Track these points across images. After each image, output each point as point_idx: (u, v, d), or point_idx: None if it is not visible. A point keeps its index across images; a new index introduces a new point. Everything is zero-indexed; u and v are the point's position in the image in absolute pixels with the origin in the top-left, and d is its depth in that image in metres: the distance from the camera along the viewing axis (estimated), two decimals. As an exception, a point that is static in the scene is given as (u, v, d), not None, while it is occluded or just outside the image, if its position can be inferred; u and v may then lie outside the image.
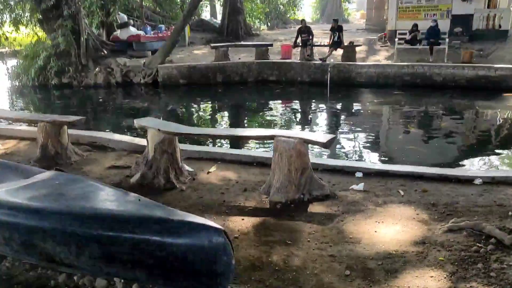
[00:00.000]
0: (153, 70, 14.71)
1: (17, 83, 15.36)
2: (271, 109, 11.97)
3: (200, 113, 11.73)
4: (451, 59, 13.93)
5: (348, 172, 5.16)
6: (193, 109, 12.35)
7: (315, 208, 4.20)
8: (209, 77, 14.65)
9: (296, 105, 12.89)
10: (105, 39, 17.46)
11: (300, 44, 14.82)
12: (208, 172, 5.25)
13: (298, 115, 11.38)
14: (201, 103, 13.06)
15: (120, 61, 15.26)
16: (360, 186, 4.55)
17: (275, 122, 10.16)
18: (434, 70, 13.13)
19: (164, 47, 15.12)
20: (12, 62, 16.01)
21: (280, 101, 13.02)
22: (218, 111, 12.18)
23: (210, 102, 13.20)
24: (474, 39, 16.82)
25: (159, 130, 4.78)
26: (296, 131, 4.70)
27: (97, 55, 15.61)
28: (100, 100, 13.75)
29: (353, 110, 11.56)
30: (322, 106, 12.38)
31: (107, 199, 3.05)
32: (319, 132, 4.88)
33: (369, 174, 5.07)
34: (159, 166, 4.85)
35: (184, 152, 5.76)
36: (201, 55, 17.61)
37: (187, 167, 5.31)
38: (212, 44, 16.23)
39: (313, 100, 13.17)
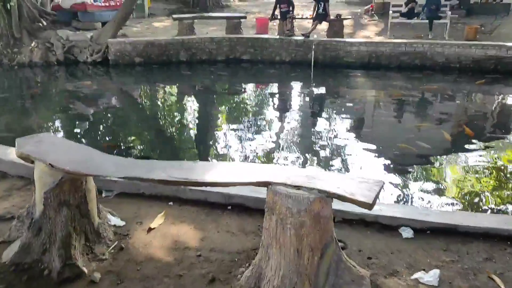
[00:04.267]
0: (103, 46, 12.12)
1: None
2: (244, 94, 9.80)
3: (158, 101, 9.40)
4: (450, 36, 12.05)
5: (386, 226, 3.09)
6: (150, 95, 10.00)
7: (354, 337, 2.11)
8: (171, 55, 12.21)
9: (274, 89, 10.70)
10: (50, 8, 14.68)
11: (279, 17, 12.55)
12: (150, 229, 3.07)
13: (277, 103, 9.21)
14: (160, 86, 10.69)
15: (62, 34, 12.56)
16: (433, 276, 2.47)
17: (250, 112, 8.03)
18: (436, 48, 11.14)
19: (116, 18, 12.49)
20: None
21: (255, 85, 10.83)
22: (180, 97, 9.85)
23: (171, 86, 10.84)
24: (472, 13, 15.03)
25: (51, 165, 2.54)
26: (309, 171, 2.51)
27: (33, 27, 12.84)
28: (37, 82, 11.18)
29: (342, 98, 9.46)
30: (306, 90, 10.24)
31: None
32: (351, 176, 2.61)
33: (422, 231, 3.02)
34: (53, 232, 2.63)
35: (114, 184, 3.56)
36: (162, 28, 15.10)
37: (113, 219, 3.11)
38: (174, 16, 13.71)
39: (295, 84, 11.00)
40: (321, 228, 2.29)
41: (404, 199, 4.13)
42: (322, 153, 5.69)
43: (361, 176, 2.55)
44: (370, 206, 2.17)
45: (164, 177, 2.44)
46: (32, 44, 12.29)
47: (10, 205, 3.36)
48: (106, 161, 2.67)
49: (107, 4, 14.38)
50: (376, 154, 5.56)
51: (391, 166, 5.13)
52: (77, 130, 7.14)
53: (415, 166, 5.11)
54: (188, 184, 2.45)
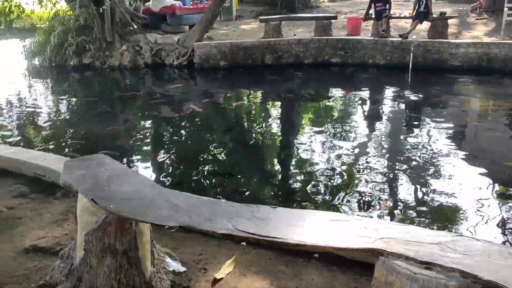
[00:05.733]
0: (189, 49, 12.00)
1: (32, 63, 13.22)
2: (332, 100, 8.93)
3: (242, 108, 8.84)
4: None
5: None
6: (233, 101, 9.50)
7: None
8: (256, 58, 11.74)
9: (365, 95, 9.63)
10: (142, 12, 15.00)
11: (373, 16, 11.49)
12: (215, 281, 2.44)
13: (369, 112, 8.18)
14: (244, 92, 10.21)
15: (151, 37, 12.66)
16: None
17: (338, 123, 7.15)
18: None
19: (202, 21, 12.31)
20: (32, 39, 13.82)
21: (344, 90, 9.90)
22: (264, 104, 9.25)
23: (255, 91, 10.30)
24: None
25: (93, 201, 2.01)
26: (440, 234, 1.62)
27: (124, 31, 13.10)
28: (126, 85, 11.30)
29: (446, 107, 8.24)
30: (402, 98, 9.10)
31: None
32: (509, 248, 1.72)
33: None
34: (94, 285, 2.10)
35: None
36: (249, 30, 14.69)
37: (172, 263, 2.53)
38: (261, 17, 13.22)
39: (390, 90, 9.92)
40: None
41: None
42: (428, 181, 4.64)
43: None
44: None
45: (229, 229, 1.79)
46: (123, 48, 12.53)
47: (63, 233, 2.93)
48: (159, 198, 2.08)
49: (195, 7, 14.32)
50: (499, 186, 4.46)
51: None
52: (157, 137, 6.85)
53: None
54: (261, 242, 1.77)
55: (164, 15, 13.59)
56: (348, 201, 4.20)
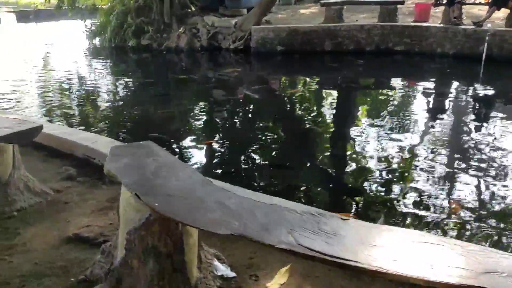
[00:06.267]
0: (246, 33, 11.70)
1: (93, 44, 13.49)
2: (394, 91, 8.35)
3: (297, 96, 8.47)
4: None
5: None
6: (288, 89, 9.14)
7: None
8: (315, 44, 11.25)
9: (431, 87, 8.92)
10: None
11: (445, 2, 10.66)
12: (268, 292, 2.17)
13: (432, 106, 7.50)
14: (301, 79, 9.82)
15: (208, 20, 12.49)
16: None
17: (399, 116, 6.62)
18: None
19: (261, 5, 11.96)
20: (93, 19, 14.12)
21: (407, 81, 9.26)
22: (321, 93, 8.82)
23: (312, 78, 9.87)
24: None
25: (137, 196, 1.77)
26: None
27: (182, 13, 13.00)
28: (182, 67, 11.27)
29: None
30: (471, 92, 8.35)
31: None
32: None
33: None
34: (134, 286, 1.88)
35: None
36: (308, 15, 14.18)
37: (220, 267, 2.28)
38: (322, 1, 12.66)
39: (459, 82, 9.16)
40: None
41: None
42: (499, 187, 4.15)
43: None
44: None
45: (290, 244, 1.48)
46: (180, 30, 12.45)
47: (107, 223, 2.76)
48: (210, 198, 1.81)
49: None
50: None
51: None
52: (208, 122, 6.67)
53: None
54: (329, 263, 1.45)
55: (225, -3, 13.38)
56: (420, 213, 3.74)
